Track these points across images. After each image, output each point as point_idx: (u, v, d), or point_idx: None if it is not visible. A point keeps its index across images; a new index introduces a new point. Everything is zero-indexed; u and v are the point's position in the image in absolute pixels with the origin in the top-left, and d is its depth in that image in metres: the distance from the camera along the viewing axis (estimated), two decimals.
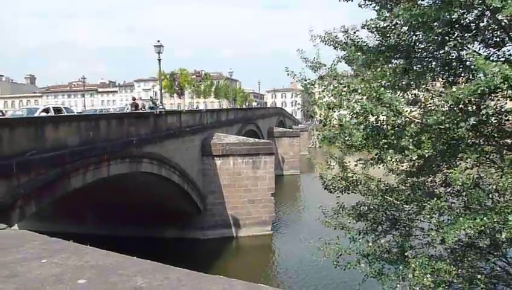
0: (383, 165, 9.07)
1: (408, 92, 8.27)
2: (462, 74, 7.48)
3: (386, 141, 7.00)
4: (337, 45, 8.39)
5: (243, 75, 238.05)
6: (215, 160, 24.03)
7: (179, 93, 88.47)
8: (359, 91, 6.83)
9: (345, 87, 7.21)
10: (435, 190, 8.53)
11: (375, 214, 9.13)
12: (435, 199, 6.92)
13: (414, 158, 6.68)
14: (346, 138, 7.24)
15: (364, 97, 6.88)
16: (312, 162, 10.86)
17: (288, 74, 8.34)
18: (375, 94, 6.51)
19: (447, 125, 6.47)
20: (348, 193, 9.64)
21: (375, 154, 7.64)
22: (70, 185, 12.58)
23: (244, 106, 62.87)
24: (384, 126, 7.08)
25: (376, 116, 6.93)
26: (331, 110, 7.36)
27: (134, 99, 26.03)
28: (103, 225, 23.07)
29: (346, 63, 8.44)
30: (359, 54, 8.11)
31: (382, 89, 6.63)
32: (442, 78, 8.07)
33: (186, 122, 22.38)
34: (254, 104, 74.40)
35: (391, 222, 9.00)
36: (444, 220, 6.84)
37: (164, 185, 20.07)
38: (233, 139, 25.40)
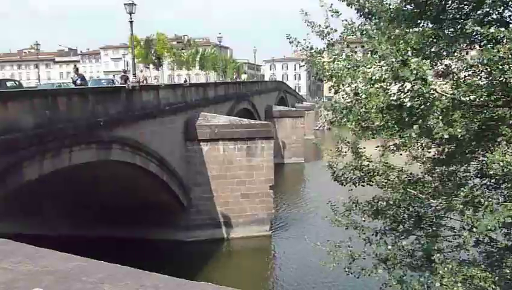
0: (406, 151, 9.25)
1: (438, 62, 8.31)
2: (505, 39, 7.58)
3: (409, 118, 6.99)
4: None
5: (235, 42, 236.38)
6: (201, 146, 24.01)
7: (156, 64, 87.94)
8: (380, 53, 6.84)
9: (364, 48, 7.27)
10: (468, 182, 8.64)
11: (395, 210, 9.26)
12: (469, 189, 7.03)
13: (445, 136, 6.70)
14: (361, 110, 7.30)
15: (384, 66, 6.90)
16: (319, 148, 10.93)
17: (290, 42, 8.29)
18: (400, 57, 6.52)
19: (484, 100, 6.59)
20: (363, 186, 9.74)
21: (396, 131, 7.74)
22: (23, 176, 12.55)
23: (236, 80, 62.42)
24: (408, 99, 7.11)
25: (401, 84, 6.97)
26: (344, 76, 7.38)
27: (124, 71, 25.95)
28: (65, 224, 23.15)
29: (360, 32, 8.35)
30: (381, 13, 8.12)
31: (409, 52, 6.63)
32: (480, 45, 8.08)
33: (165, 99, 22.29)
34: (244, 76, 73.84)
35: (415, 220, 9.12)
36: (478, 217, 6.94)
37: (139, 176, 20.09)
38: (224, 120, 25.36)
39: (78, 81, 21.16)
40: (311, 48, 8.29)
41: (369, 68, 7.19)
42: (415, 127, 6.91)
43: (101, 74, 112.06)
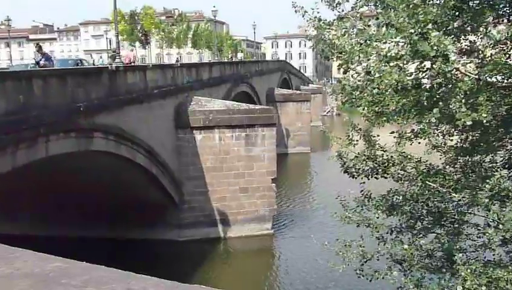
0: (424, 139, 9.22)
1: (461, 38, 8.32)
2: None
3: (429, 101, 6.99)
4: None
5: (232, 16, 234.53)
6: (194, 134, 24.06)
7: (142, 42, 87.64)
8: (396, 26, 6.85)
9: (378, 21, 7.27)
10: (495, 173, 8.71)
11: (412, 205, 9.33)
12: (495, 181, 7.04)
13: (468, 123, 6.72)
14: (374, 90, 7.29)
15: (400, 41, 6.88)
16: (327, 136, 11.09)
17: (296, 11, 8.28)
18: (419, 30, 6.51)
19: None
20: (376, 178, 9.80)
21: (414, 116, 7.76)
22: None
23: (232, 59, 62.14)
24: (428, 79, 7.13)
25: (419, 62, 6.98)
26: (355, 53, 7.36)
27: (114, 51, 25.96)
28: (43, 223, 23.28)
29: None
30: None
31: (429, 25, 6.61)
32: (508, 19, 8.14)
33: (153, 82, 22.27)
34: (240, 55, 73.50)
35: (434, 216, 9.20)
36: (506, 213, 6.99)
37: (125, 168, 20.18)
38: (220, 105, 25.38)
39: (42, 62, 20.41)
40: (319, 20, 8.27)
41: (384, 44, 7.16)
42: (435, 110, 6.91)
43: (81, 53, 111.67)
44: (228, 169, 24.57)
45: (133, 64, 23.95)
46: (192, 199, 24.34)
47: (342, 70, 8.17)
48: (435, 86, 6.94)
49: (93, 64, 41.33)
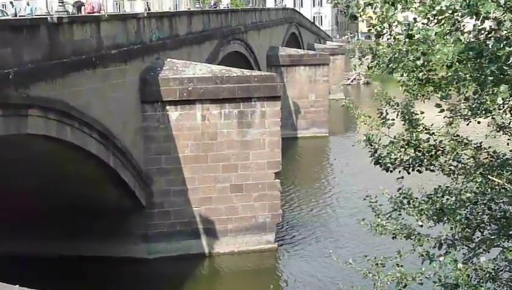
0: (486, 118, 9.28)
1: None
2: None
3: (492, 69, 7.00)
4: None
5: None
6: (167, 111, 23.91)
7: None
8: None
9: None
10: None
11: (470, 209, 9.37)
12: None
13: None
14: (417, 62, 7.47)
15: None
16: (352, 114, 11.01)
17: None
18: None
19: None
20: (419, 171, 9.86)
21: (473, 85, 7.84)
22: None
23: (215, 7, 61.10)
24: (492, 42, 7.13)
25: (483, 16, 6.99)
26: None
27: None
28: None
29: None
30: None
31: None
32: None
33: (110, 38, 21.96)
34: (228, 1, 72.77)
35: (500, 223, 9.23)
36: None
37: (71, 159, 20.09)
38: (202, 70, 25.14)
39: None
40: None
41: None
42: (502, 88, 7.00)
43: None
44: (215, 159, 24.45)
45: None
46: (165, 200, 24.27)
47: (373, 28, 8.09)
48: (501, 51, 6.90)
49: (16, 15, 40.20)
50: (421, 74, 8.30)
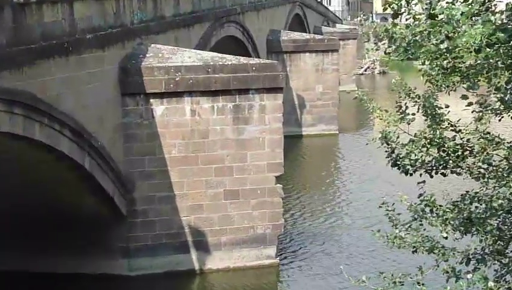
0: None
1: None
2: None
3: None
4: None
5: None
6: (151, 105, 23.76)
7: None
8: None
9: None
10: None
11: (502, 218, 9.63)
12: None
13: None
14: (441, 46, 7.70)
15: None
16: (366, 108, 11.17)
17: None
18: None
19: None
20: (444, 174, 9.97)
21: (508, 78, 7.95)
22: None
23: None
24: None
25: None
26: None
27: None
28: None
29: None
30: None
31: None
32: None
33: (85, 21, 21.74)
34: None
35: None
36: None
37: (40, 161, 20.08)
38: (192, 58, 24.97)
39: None
40: None
41: None
42: None
43: None
44: (206, 161, 24.30)
45: None
46: (149, 208, 24.09)
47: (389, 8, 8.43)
48: None
49: None
50: (445, 61, 8.56)
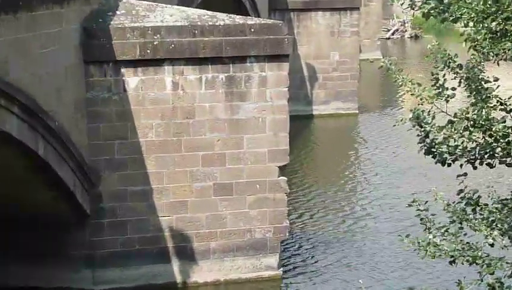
0: None
1: None
2: None
3: None
4: None
5: None
6: (123, 76, 23.58)
7: None
8: None
9: None
10: None
11: None
12: None
13: None
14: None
15: None
16: (393, 79, 11.12)
17: None
18: None
19: None
20: (491, 166, 10.19)
21: None
22: None
23: None
24: None
25: None
26: None
27: None
28: None
29: None
30: None
31: None
32: None
33: None
34: None
35: None
36: None
37: None
38: (175, 16, 24.95)
39: None
40: None
41: None
42: None
43: None
44: (192, 147, 24.02)
45: None
46: (118, 206, 23.75)
47: None
48: None
49: None
50: (494, 23, 8.88)
